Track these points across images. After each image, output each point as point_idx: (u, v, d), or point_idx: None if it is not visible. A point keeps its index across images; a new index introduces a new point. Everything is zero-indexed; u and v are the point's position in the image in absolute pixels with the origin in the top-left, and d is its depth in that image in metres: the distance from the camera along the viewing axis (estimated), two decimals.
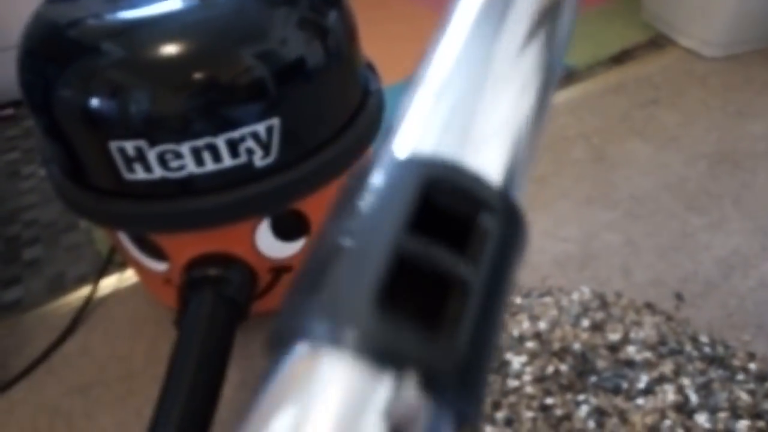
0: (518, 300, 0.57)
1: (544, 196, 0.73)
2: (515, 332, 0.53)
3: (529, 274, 0.63)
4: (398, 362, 0.08)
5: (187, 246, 0.50)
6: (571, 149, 0.80)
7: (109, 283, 0.69)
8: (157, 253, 0.52)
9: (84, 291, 0.68)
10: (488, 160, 0.10)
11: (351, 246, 0.09)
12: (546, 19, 0.12)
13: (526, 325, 0.53)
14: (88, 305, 0.66)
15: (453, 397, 0.08)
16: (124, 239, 0.53)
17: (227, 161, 0.45)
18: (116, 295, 0.68)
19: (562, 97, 0.91)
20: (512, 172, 0.10)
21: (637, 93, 0.89)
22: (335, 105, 0.51)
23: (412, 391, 0.08)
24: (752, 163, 0.73)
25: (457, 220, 0.09)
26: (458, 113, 0.11)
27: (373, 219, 0.09)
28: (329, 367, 0.08)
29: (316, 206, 0.52)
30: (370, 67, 0.60)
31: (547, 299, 0.56)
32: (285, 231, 0.52)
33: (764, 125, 0.78)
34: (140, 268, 0.57)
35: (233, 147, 0.44)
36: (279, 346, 0.09)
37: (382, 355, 0.08)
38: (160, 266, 0.53)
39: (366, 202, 0.09)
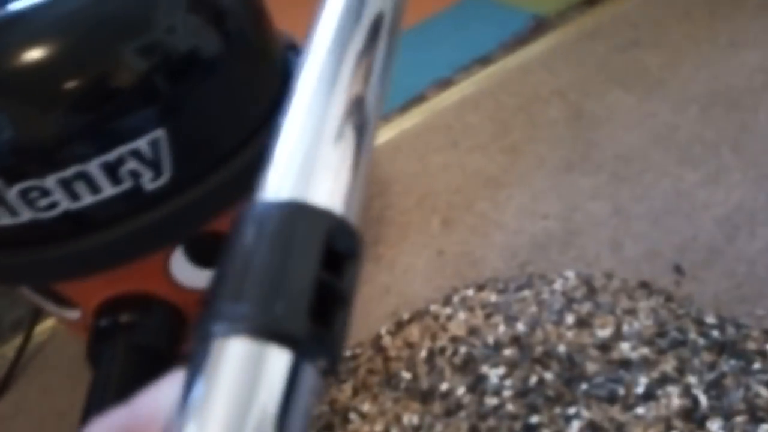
0: (492, 298, 0.49)
1: (517, 168, 0.64)
2: (490, 339, 0.45)
3: (507, 262, 0.55)
4: (296, 344, 0.12)
5: (92, 290, 0.43)
6: (545, 109, 0.71)
7: (46, 327, 0.62)
8: (63, 301, 0.45)
9: (19, 340, 0.61)
10: (340, 202, 0.14)
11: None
12: (359, 85, 0.16)
13: (502, 329, 0.46)
14: (22, 356, 0.59)
15: (329, 364, 0.13)
16: (24, 288, 0.46)
17: (108, 190, 0.37)
18: (53, 340, 0.61)
19: (532, 51, 0.82)
20: (351, 205, 0.14)
21: (614, 36, 0.80)
22: (243, 102, 0.43)
23: (302, 361, 0.12)
24: (751, 100, 0.64)
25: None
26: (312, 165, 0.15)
27: (288, 260, 0.13)
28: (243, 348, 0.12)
29: None
30: (294, 49, 0.51)
31: (526, 293, 0.49)
32: (206, 256, 0.44)
33: (762, 54, 0.69)
34: (57, 317, 0.49)
35: (112, 172, 0.36)
36: (208, 338, 0.12)
37: (287, 339, 0.12)
38: (72, 314, 0.46)
39: (270, 248, 0.13)
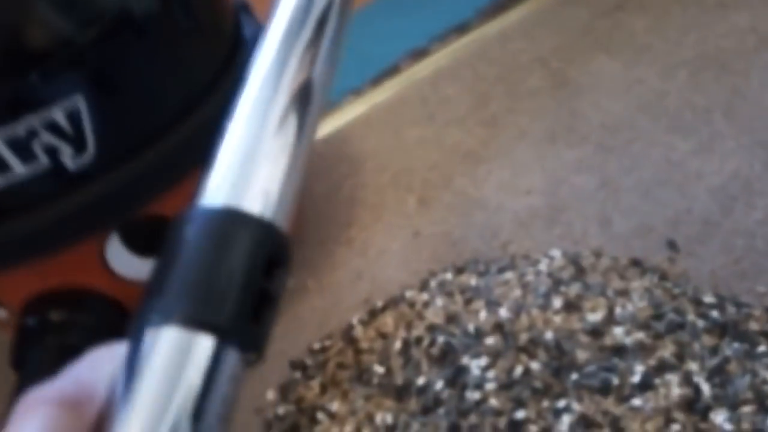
0: (473, 281, 0.45)
1: (497, 141, 0.60)
2: (470, 327, 0.41)
3: (488, 241, 0.51)
4: (219, 332, 0.14)
5: (16, 285, 0.37)
6: (526, 79, 0.67)
7: None
8: None
9: None
10: (272, 209, 0.16)
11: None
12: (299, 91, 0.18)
13: (483, 315, 0.41)
14: None
15: (252, 354, 0.15)
16: None
17: (19, 169, 0.31)
18: None
19: (512, 17, 0.77)
20: (282, 211, 0.16)
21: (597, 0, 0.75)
22: (183, 67, 0.37)
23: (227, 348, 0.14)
24: (742, 63, 0.60)
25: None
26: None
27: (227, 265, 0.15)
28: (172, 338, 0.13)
29: (182, 204, 0.39)
30: (245, 7, 0.45)
31: (509, 275, 0.45)
32: (146, 243, 0.39)
33: (752, 15, 0.65)
34: None
35: (22, 148, 0.31)
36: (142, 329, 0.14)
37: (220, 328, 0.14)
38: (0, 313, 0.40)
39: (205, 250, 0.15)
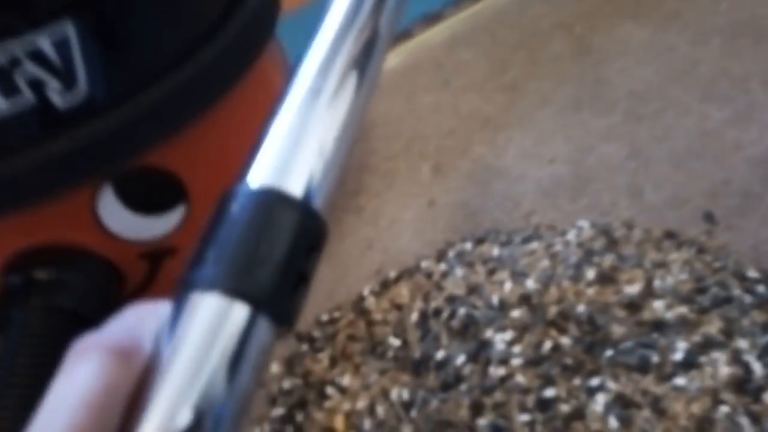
0: (495, 251, 0.42)
1: (517, 108, 0.56)
2: (494, 298, 0.38)
3: (509, 212, 0.48)
4: (255, 302, 0.15)
5: (1, 239, 0.34)
6: (547, 45, 0.63)
7: None
8: None
9: None
10: (312, 193, 0.17)
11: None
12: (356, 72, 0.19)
13: (508, 286, 0.38)
14: None
15: (286, 324, 0.16)
16: None
17: (0, 104, 0.28)
18: None
19: None
20: (323, 195, 0.17)
21: None
22: (184, 4, 0.33)
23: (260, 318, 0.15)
24: None
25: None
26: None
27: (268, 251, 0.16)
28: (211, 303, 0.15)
29: (185, 158, 0.36)
30: None
31: (535, 245, 0.41)
32: (145, 200, 0.35)
33: None
34: None
35: (3, 78, 0.27)
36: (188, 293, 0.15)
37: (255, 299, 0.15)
38: None
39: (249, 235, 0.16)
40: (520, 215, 0.47)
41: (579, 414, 0.33)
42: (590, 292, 0.37)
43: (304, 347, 0.43)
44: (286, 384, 0.40)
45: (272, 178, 0.17)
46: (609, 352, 0.34)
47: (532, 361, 0.35)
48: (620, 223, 0.43)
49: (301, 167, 0.17)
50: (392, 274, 0.45)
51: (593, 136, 0.51)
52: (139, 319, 0.15)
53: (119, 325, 0.15)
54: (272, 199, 0.16)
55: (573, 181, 0.49)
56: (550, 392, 0.34)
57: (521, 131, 0.54)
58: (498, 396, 0.34)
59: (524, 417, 0.33)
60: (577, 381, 0.34)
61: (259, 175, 0.17)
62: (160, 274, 0.39)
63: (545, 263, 0.39)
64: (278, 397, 0.40)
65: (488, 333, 0.37)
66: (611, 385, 0.33)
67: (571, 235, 0.42)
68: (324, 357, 0.41)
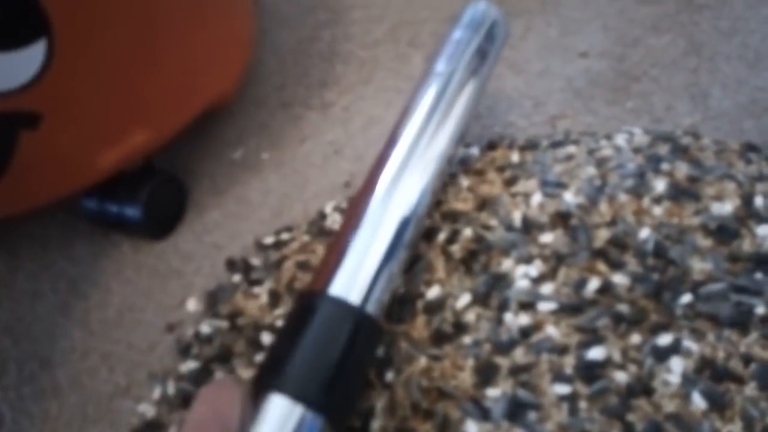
0: (514, 157, 0.30)
1: None
2: (515, 216, 0.26)
3: (527, 115, 0.36)
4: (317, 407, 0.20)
5: None
6: None
7: None
8: None
9: None
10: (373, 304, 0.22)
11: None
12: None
13: (536, 199, 0.26)
14: None
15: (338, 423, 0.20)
16: None
17: None
18: None
19: None
20: (369, 297, 0.22)
21: None
22: None
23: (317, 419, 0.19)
24: None
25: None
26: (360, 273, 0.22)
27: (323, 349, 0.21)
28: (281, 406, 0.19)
29: None
30: None
31: (572, 149, 0.29)
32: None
33: None
34: None
35: None
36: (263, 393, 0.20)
37: (313, 404, 0.19)
38: None
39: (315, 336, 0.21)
40: (543, 119, 0.35)
41: (643, 387, 0.21)
42: (658, 210, 0.25)
43: (236, 278, 0.30)
44: (205, 328, 0.28)
45: (339, 287, 0.22)
46: (686, 298, 0.23)
47: (570, 308, 0.23)
48: (683, 131, 0.32)
49: (363, 278, 0.22)
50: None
51: (639, 26, 0.39)
52: (226, 415, 0.18)
53: (213, 423, 0.18)
54: (335, 308, 0.21)
55: (613, 78, 0.37)
56: (596, 353, 0.22)
57: (543, 18, 0.41)
58: (519, 356, 0.23)
59: (559, 389, 0.22)
60: (635, 338, 0.23)
61: (327, 284, 0.22)
62: (21, 152, 0.26)
63: (590, 171, 0.27)
64: (193, 345, 0.28)
65: (505, 264, 0.25)
66: (691, 345, 0.22)
67: (621, 140, 0.30)
68: (262, 292, 0.28)
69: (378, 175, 0.25)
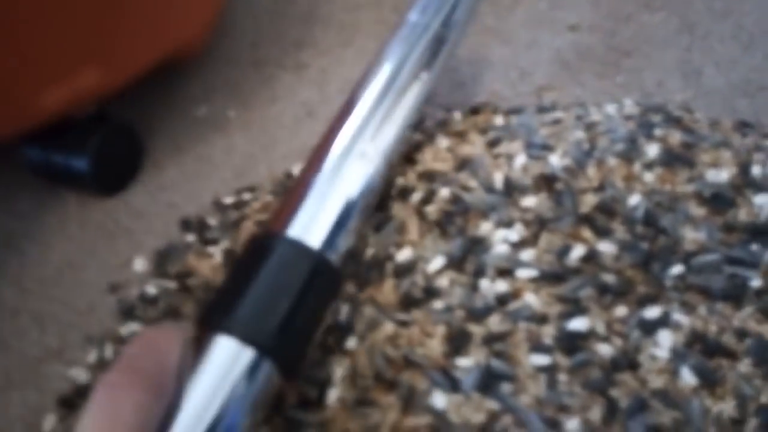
0: (498, 120, 0.28)
1: None
2: (497, 178, 0.24)
3: (512, 84, 0.34)
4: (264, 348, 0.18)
5: None
6: None
7: None
8: None
9: None
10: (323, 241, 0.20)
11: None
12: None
13: (520, 161, 0.24)
14: None
15: (286, 372, 0.18)
16: None
17: None
18: None
19: None
20: (330, 243, 0.20)
21: None
22: None
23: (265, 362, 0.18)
24: None
25: None
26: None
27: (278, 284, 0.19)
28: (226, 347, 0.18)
29: None
30: None
31: (560, 115, 0.27)
32: None
33: None
34: None
35: None
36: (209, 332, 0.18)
37: (263, 348, 0.18)
38: None
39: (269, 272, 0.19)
40: (529, 89, 0.33)
41: (628, 361, 0.20)
42: (650, 177, 0.23)
43: (190, 238, 0.27)
44: (151, 288, 0.25)
45: (297, 229, 0.20)
46: (677, 269, 0.21)
47: (552, 276, 0.21)
48: (676, 105, 0.30)
49: (324, 221, 0.20)
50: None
51: (630, 3, 0.38)
52: (164, 351, 0.16)
53: (148, 357, 0.16)
54: (292, 250, 0.19)
55: (604, 53, 0.35)
56: (579, 324, 0.20)
57: None
58: (494, 323, 0.21)
59: (537, 359, 0.20)
60: (621, 310, 0.21)
61: (285, 225, 0.20)
62: None
63: (578, 134, 0.25)
64: (137, 306, 0.25)
65: (483, 227, 0.23)
66: (681, 318, 0.20)
67: (611, 109, 0.28)
68: (216, 252, 0.26)
69: (344, 119, 0.23)
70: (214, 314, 0.18)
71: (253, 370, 0.17)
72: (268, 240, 0.19)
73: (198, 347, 0.17)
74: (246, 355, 0.17)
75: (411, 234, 0.23)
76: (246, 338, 0.17)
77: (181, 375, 0.16)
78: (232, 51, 0.38)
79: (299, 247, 0.19)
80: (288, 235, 0.19)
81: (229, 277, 0.19)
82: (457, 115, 0.29)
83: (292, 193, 0.21)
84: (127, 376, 0.15)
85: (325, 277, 0.19)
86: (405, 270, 0.22)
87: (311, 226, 0.20)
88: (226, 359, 0.17)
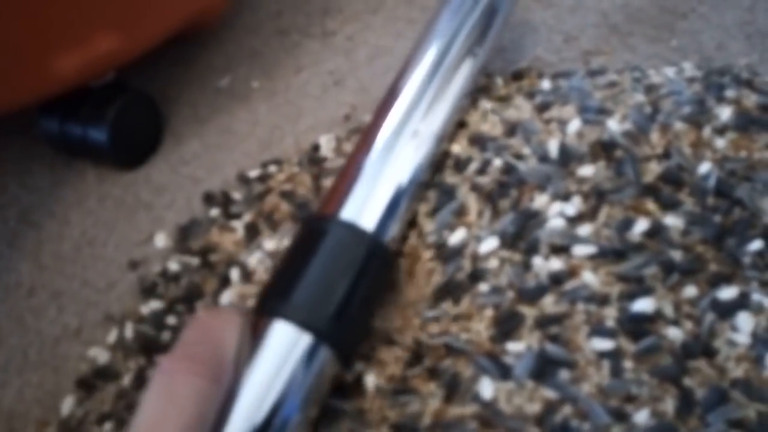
0: (545, 84, 0.25)
1: None
2: (551, 144, 0.22)
3: (558, 50, 0.31)
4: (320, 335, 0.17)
5: None
6: None
7: None
8: None
9: None
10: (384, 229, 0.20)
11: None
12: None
13: (574, 126, 0.22)
14: None
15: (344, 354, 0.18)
16: None
17: None
18: None
19: None
20: (383, 224, 0.20)
21: None
22: None
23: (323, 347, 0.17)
24: None
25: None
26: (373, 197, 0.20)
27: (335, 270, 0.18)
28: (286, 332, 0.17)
29: None
30: None
31: (613, 77, 0.25)
32: None
33: None
34: None
35: None
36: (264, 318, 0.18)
37: (321, 334, 0.17)
38: None
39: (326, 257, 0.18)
40: (575, 55, 0.31)
41: (702, 347, 0.17)
42: (722, 143, 0.21)
43: (214, 212, 0.26)
44: (173, 265, 0.24)
45: (351, 212, 0.19)
46: (756, 245, 0.19)
47: (612, 253, 0.19)
48: (741, 68, 0.27)
49: (377, 203, 0.20)
50: (369, 119, 0.28)
51: None
52: (221, 337, 0.16)
53: (205, 343, 0.16)
54: (346, 233, 0.19)
55: (656, 15, 0.32)
56: (644, 305, 0.18)
57: None
58: (548, 305, 0.19)
59: (599, 344, 0.18)
60: (690, 290, 0.18)
61: (338, 208, 0.19)
62: None
63: (638, 97, 0.23)
64: (158, 284, 0.24)
65: (538, 200, 0.21)
66: (763, 299, 0.18)
67: (671, 71, 0.25)
68: (239, 226, 0.24)
69: (395, 98, 0.22)
70: (271, 300, 0.18)
71: (310, 356, 0.17)
72: (322, 223, 0.19)
73: (255, 333, 0.17)
74: (304, 340, 0.17)
75: (470, 215, 0.21)
76: (303, 324, 0.17)
77: (238, 361, 0.16)
78: (255, 19, 0.36)
79: (354, 230, 0.19)
80: (342, 218, 0.19)
81: (284, 261, 0.19)
82: (499, 81, 0.27)
83: (343, 174, 0.20)
84: (185, 362, 0.15)
85: (380, 260, 0.19)
86: (452, 254, 0.20)
87: (365, 208, 0.19)
88: (284, 345, 0.17)
